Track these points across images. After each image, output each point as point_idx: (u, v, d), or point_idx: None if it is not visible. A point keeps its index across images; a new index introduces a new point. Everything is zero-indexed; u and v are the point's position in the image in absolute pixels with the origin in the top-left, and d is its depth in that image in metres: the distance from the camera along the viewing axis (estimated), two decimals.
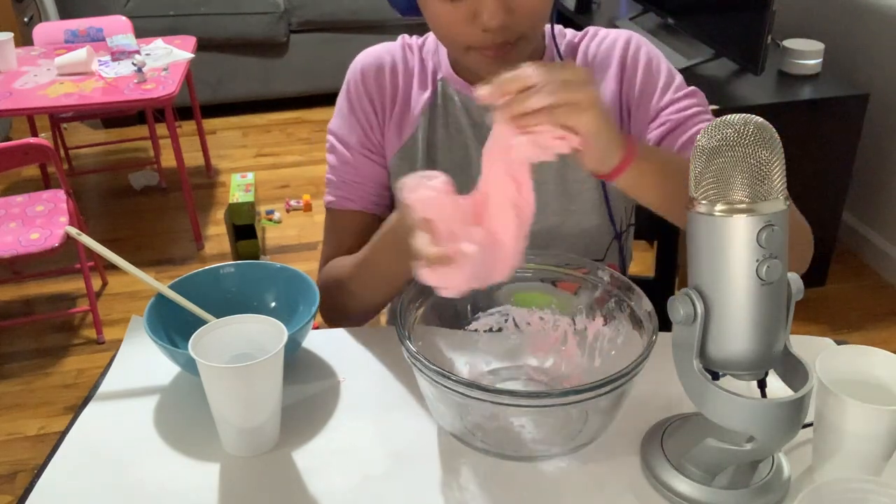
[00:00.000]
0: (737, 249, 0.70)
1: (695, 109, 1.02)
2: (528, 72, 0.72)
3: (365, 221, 1.11)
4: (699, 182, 0.71)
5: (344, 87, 1.12)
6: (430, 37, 1.11)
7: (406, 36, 1.13)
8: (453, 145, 1.09)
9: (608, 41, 1.08)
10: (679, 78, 1.06)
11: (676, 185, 0.78)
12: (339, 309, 1.09)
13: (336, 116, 1.13)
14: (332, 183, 1.12)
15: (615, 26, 2.91)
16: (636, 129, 1.06)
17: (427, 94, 1.09)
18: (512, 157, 0.74)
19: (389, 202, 1.14)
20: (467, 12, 0.90)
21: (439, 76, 1.09)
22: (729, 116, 0.70)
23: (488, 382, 0.93)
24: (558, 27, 1.08)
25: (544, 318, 0.97)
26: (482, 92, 0.73)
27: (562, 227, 1.08)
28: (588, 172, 0.81)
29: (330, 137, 1.13)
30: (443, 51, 1.10)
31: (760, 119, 0.70)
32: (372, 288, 1.05)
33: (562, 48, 1.08)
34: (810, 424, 0.80)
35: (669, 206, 0.85)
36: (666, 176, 0.83)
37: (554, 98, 0.71)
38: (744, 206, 0.69)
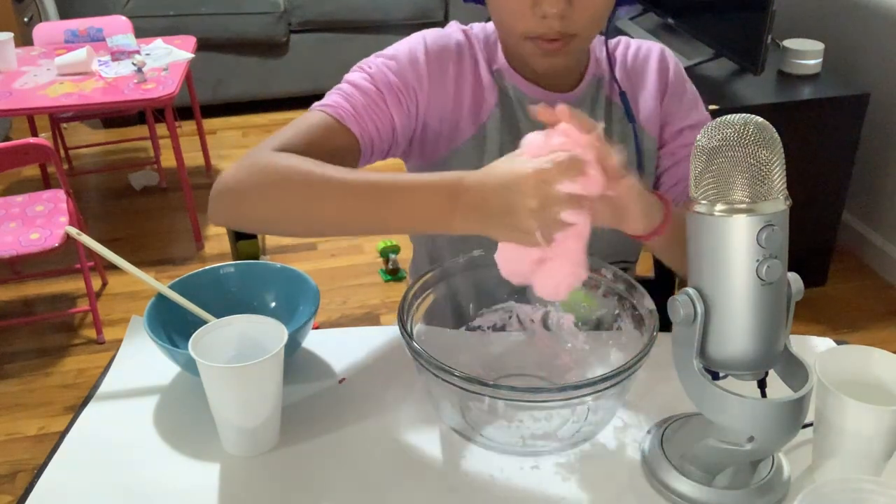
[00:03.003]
0: (737, 249, 0.70)
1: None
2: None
3: (351, 151, 0.99)
4: (699, 182, 0.71)
5: (422, 43, 1.05)
6: (479, 26, 1.10)
7: (458, 23, 1.10)
8: (511, 135, 1.07)
9: (642, 53, 1.13)
10: (700, 103, 1.14)
11: None
12: (243, 195, 0.90)
13: (395, 56, 1.04)
14: (343, 94, 1.00)
15: (616, 27, 2.91)
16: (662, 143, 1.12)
17: (493, 84, 1.07)
18: None
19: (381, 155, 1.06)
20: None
21: (494, 67, 1.08)
22: (729, 116, 0.70)
23: (490, 378, 0.93)
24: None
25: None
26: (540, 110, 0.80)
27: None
28: (630, 236, 0.87)
29: (377, 62, 1.04)
30: (495, 42, 1.09)
31: (760, 119, 0.70)
32: (323, 206, 0.86)
33: (602, 55, 1.11)
34: (810, 424, 0.80)
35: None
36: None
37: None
38: (744, 206, 0.69)
